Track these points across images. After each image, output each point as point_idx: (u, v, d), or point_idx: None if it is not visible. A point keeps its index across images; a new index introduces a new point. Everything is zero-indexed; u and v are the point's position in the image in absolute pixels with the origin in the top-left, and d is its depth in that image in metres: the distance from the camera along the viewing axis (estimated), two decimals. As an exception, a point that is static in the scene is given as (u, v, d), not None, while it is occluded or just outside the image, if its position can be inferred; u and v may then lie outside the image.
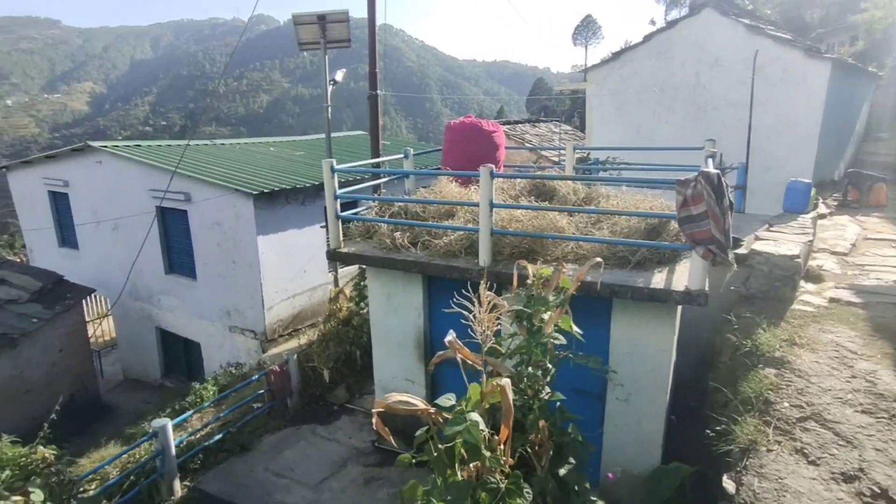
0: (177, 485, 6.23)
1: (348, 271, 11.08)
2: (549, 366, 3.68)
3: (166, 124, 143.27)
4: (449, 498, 2.81)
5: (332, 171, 5.86)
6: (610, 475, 4.79)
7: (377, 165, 8.91)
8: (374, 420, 2.96)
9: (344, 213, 6.17)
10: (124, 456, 6.43)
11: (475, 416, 2.83)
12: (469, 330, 3.20)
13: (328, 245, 6.22)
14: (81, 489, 5.49)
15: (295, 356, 7.98)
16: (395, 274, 5.90)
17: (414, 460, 3.00)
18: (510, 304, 3.66)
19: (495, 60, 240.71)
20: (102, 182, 12.66)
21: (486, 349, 3.14)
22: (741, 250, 6.21)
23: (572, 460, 3.60)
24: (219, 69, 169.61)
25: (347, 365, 8.36)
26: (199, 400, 8.12)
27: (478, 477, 2.96)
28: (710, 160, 5.40)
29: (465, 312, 3.21)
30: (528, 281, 3.86)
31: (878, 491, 3.38)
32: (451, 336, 3.13)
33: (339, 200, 5.96)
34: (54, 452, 5.06)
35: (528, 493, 2.97)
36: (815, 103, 11.13)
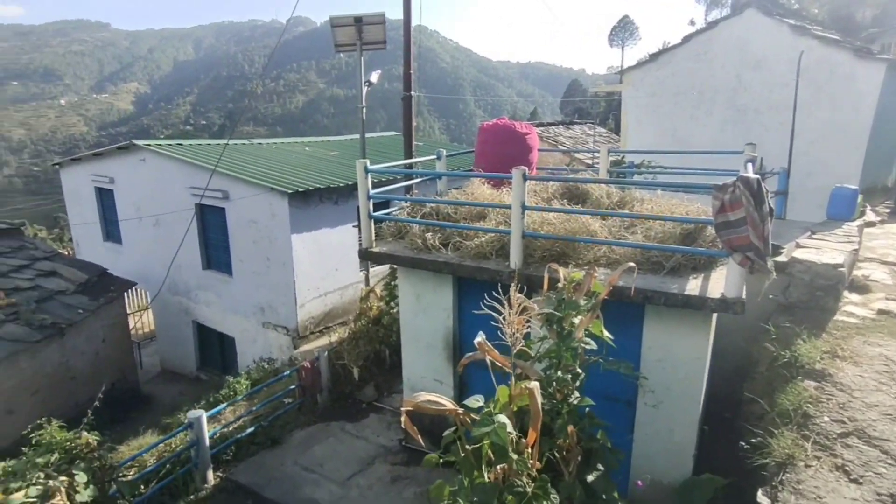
0: (210, 475, 6.41)
1: (379, 271, 11.20)
2: (579, 370, 3.65)
3: (206, 123, 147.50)
4: (475, 499, 2.82)
5: (366, 171, 5.93)
6: (639, 483, 4.71)
7: (410, 166, 8.97)
8: (402, 418, 2.99)
9: (376, 213, 6.24)
10: (161, 445, 6.64)
11: (503, 417, 2.83)
12: (499, 332, 3.20)
13: (360, 244, 6.30)
14: (121, 474, 5.71)
15: (325, 353, 8.11)
16: (425, 274, 5.93)
17: (441, 460, 3.01)
18: (540, 307, 3.64)
19: (529, 62, 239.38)
20: (145, 179, 13.11)
21: (515, 352, 3.14)
22: (781, 258, 6.02)
23: (601, 467, 3.57)
24: (257, 70, 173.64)
25: (376, 363, 8.45)
26: (232, 393, 8.32)
27: (504, 479, 2.96)
28: (749, 164, 5.25)
29: (494, 314, 3.21)
30: (559, 284, 3.84)
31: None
32: (480, 337, 3.14)
33: (371, 200, 6.04)
34: (97, 438, 5.28)
35: (554, 497, 2.95)
36: (866, 106, 10.70)
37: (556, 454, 3.41)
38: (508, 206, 5.25)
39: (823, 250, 6.11)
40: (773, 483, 3.72)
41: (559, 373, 3.59)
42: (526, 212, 5.11)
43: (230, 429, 7.21)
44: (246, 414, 7.48)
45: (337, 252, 11.47)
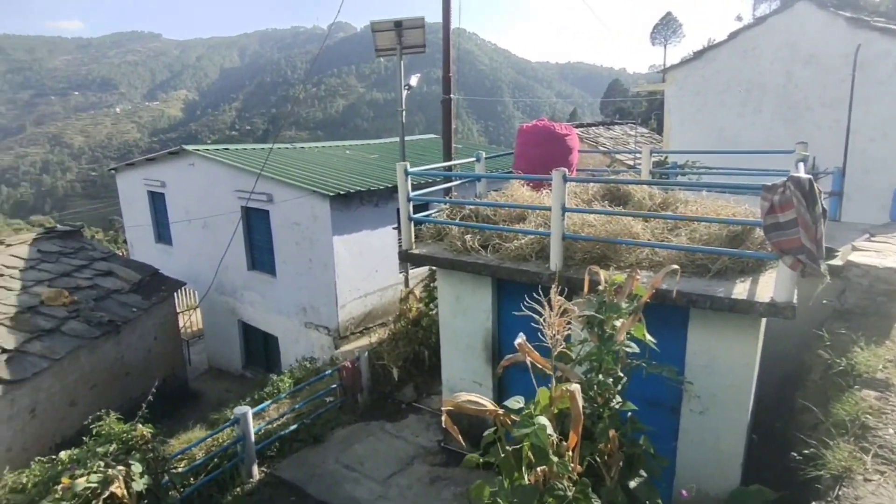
0: (255, 469, 6.61)
1: (418, 272, 11.29)
2: (621, 374, 3.60)
3: (250, 128, 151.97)
4: (515, 501, 2.82)
5: (406, 174, 6.01)
6: (684, 493, 4.59)
7: (449, 168, 9.03)
8: (443, 418, 3.02)
9: (416, 215, 6.30)
10: (209, 439, 6.89)
11: (543, 419, 2.82)
12: (539, 334, 3.19)
13: (400, 246, 6.38)
14: (172, 466, 5.95)
15: (366, 354, 8.24)
16: (464, 276, 5.96)
17: (481, 461, 3.03)
18: (580, 309, 3.61)
19: (569, 62, 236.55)
20: (194, 183, 13.63)
21: (556, 353, 3.12)
22: (836, 261, 5.76)
23: (643, 473, 3.50)
24: (299, 75, 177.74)
25: (416, 364, 8.53)
26: (276, 391, 8.54)
27: (545, 482, 2.95)
28: (800, 164, 5.06)
29: (535, 316, 3.21)
30: (600, 287, 3.80)
31: None
32: (521, 338, 3.14)
33: (411, 203, 6.11)
34: (151, 431, 5.53)
35: (596, 502, 2.92)
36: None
37: (598, 459, 3.37)
38: (548, 208, 5.22)
39: (885, 254, 5.81)
40: (829, 498, 3.56)
41: (600, 376, 3.55)
42: (566, 213, 5.08)
43: (274, 425, 7.41)
44: (289, 411, 7.68)
45: (377, 254, 11.63)
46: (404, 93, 10.19)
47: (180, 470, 6.15)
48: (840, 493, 3.53)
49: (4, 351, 8.00)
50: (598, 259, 5.10)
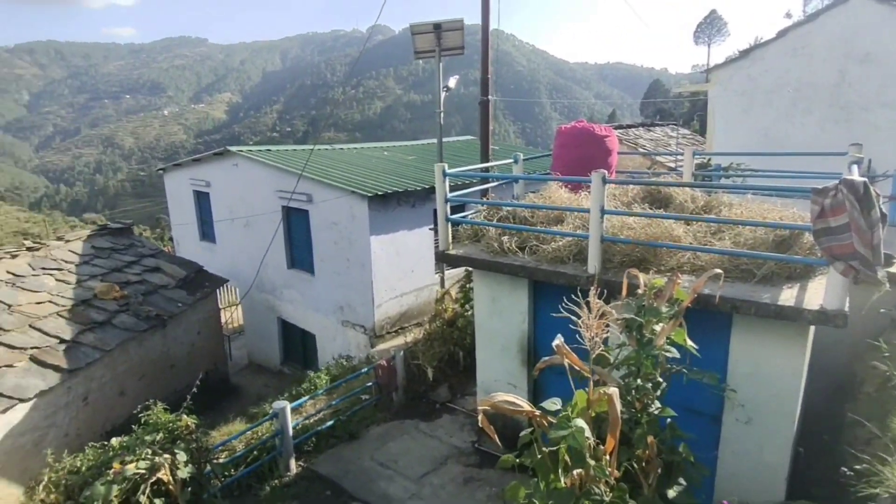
0: (293, 463, 6.76)
1: (454, 273, 11.33)
2: (660, 379, 3.53)
3: (290, 130, 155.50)
4: (551, 503, 2.81)
5: (444, 175, 6.04)
6: (725, 503, 4.47)
7: (487, 170, 9.03)
8: (479, 417, 3.03)
9: (454, 216, 6.33)
10: (248, 432, 7.08)
11: (581, 422, 2.80)
12: (578, 336, 3.17)
13: (437, 247, 6.42)
14: (214, 457, 6.15)
15: (401, 353, 8.32)
16: (501, 278, 5.95)
17: (518, 461, 3.03)
18: (618, 312, 3.56)
19: (608, 62, 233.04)
20: (237, 183, 14.04)
21: (594, 356, 3.10)
22: (894, 269, 5.50)
23: (682, 482, 3.43)
24: (338, 78, 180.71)
25: (450, 365, 8.56)
26: (313, 387, 8.71)
27: (581, 486, 2.92)
28: (854, 167, 4.86)
29: (572, 318, 3.18)
30: (639, 290, 3.74)
31: None
32: (559, 340, 3.13)
33: (449, 203, 6.14)
34: (195, 421, 5.74)
35: (633, 508, 2.88)
36: None
37: (635, 465, 3.32)
38: (586, 210, 5.17)
39: (944, 261, 5.52)
40: (882, 515, 3.42)
41: (638, 381, 3.49)
42: (605, 216, 5.02)
43: (311, 421, 7.56)
44: (326, 408, 7.83)
45: (413, 254, 11.73)
46: (442, 94, 10.25)
47: (221, 460, 6.35)
48: (896, 511, 3.38)
49: (62, 341, 8.43)
50: (637, 262, 5.02)
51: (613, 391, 2.88)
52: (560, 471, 2.92)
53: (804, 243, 4.70)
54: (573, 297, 3.34)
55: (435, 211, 6.26)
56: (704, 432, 4.80)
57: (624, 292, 3.89)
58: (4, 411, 7.04)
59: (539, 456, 2.89)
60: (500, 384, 6.31)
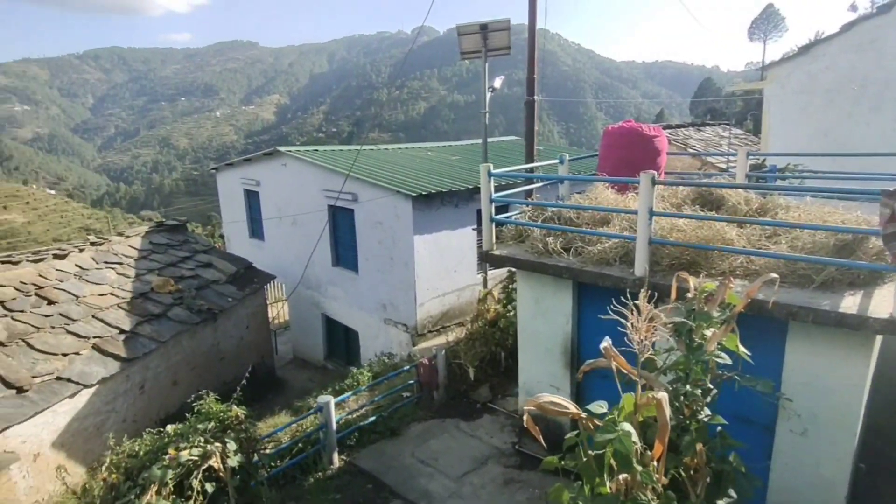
0: (335, 457, 6.91)
1: (495, 274, 11.30)
2: (710, 386, 3.43)
3: (336, 131, 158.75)
4: (596, 507, 2.78)
5: (489, 175, 6.05)
6: (777, 517, 4.31)
7: (532, 170, 8.97)
8: (524, 417, 3.03)
9: (498, 217, 6.33)
10: (293, 425, 7.28)
11: (628, 426, 2.75)
12: (625, 339, 3.12)
13: (480, 247, 6.43)
14: (261, 447, 6.36)
15: (443, 352, 8.36)
16: (545, 279, 5.91)
17: (561, 464, 3.00)
18: (667, 316, 3.48)
19: (656, 61, 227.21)
20: (285, 182, 14.45)
21: (642, 359, 3.04)
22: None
23: (732, 493, 3.32)
24: (383, 79, 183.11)
25: (492, 365, 8.55)
26: (355, 383, 8.85)
27: (627, 491, 2.87)
28: (927, 168, 4.59)
29: (620, 320, 3.13)
30: (689, 294, 3.64)
31: None
32: (607, 342, 3.09)
33: (493, 203, 6.14)
34: (244, 412, 5.94)
35: (681, 517, 2.81)
36: None
37: (682, 473, 3.24)
38: (634, 212, 5.07)
39: None
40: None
41: (688, 386, 3.40)
42: (653, 218, 4.91)
43: (354, 416, 7.70)
44: (368, 404, 7.95)
45: (455, 254, 11.77)
46: (488, 95, 10.24)
47: (268, 451, 6.55)
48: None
49: (122, 331, 8.89)
50: (686, 265, 4.89)
51: (663, 396, 2.82)
52: (605, 475, 2.88)
53: (869, 248, 4.47)
54: (618, 299, 3.29)
55: (478, 211, 6.28)
56: (755, 442, 4.63)
57: (673, 296, 3.80)
58: (72, 396, 7.48)
59: (584, 459, 2.86)
60: (543, 386, 6.26)
